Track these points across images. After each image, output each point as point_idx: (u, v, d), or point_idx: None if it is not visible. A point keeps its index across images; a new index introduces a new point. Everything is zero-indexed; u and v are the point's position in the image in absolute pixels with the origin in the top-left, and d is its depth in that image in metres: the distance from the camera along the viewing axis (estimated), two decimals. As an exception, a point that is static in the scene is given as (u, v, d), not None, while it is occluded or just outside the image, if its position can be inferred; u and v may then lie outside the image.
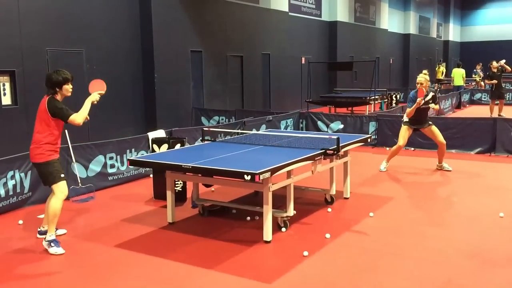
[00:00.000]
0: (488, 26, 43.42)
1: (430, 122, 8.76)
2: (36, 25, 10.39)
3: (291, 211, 5.72)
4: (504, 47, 38.24)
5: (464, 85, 22.06)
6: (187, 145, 7.34)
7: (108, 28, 12.06)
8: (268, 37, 18.19)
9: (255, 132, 8.74)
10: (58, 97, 5.23)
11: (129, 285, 4.44)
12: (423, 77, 8.49)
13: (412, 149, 10.76)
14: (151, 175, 7.55)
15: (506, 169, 9.03)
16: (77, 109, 5.29)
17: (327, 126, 12.22)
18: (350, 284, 4.39)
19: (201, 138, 7.36)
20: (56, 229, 5.34)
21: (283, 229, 5.73)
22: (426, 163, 9.35)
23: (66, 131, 6.71)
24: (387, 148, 10.54)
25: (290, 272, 4.61)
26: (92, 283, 4.46)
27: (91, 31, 11.61)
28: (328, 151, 5.97)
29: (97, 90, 5.48)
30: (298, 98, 19.50)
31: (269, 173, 4.92)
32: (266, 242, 5.35)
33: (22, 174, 6.71)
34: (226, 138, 7.82)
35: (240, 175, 4.87)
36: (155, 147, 7.19)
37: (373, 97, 16.30)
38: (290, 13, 19.81)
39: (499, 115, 15.05)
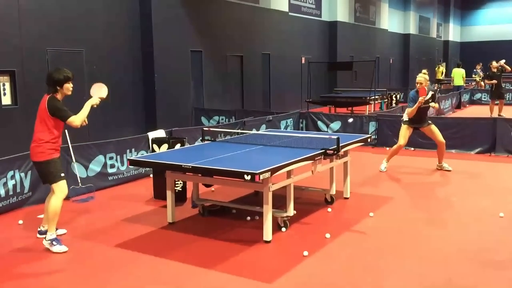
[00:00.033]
0: (488, 26, 43.41)
1: (430, 122, 8.76)
2: (36, 25, 10.40)
3: (291, 211, 5.72)
4: (504, 47, 38.21)
5: (464, 85, 22.06)
6: (187, 145, 7.34)
7: (108, 28, 12.06)
8: (268, 37, 18.19)
9: (255, 132, 8.74)
10: (59, 95, 5.23)
11: (129, 285, 4.44)
12: (422, 77, 8.50)
13: (412, 149, 10.76)
14: (151, 175, 7.55)
15: (506, 169, 9.03)
16: (75, 109, 5.29)
17: (327, 126, 12.23)
18: (350, 284, 4.39)
19: (201, 138, 7.36)
20: (56, 229, 5.33)
21: (283, 229, 5.73)
22: (426, 163, 9.35)
23: (66, 131, 6.71)
24: (387, 148, 10.54)
25: (290, 272, 4.61)
26: (92, 283, 4.46)
27: (91, 31, 11.61)
28: (328, 151, 5.97)
29: (98, 95, 5.49)
30: (298, 98, 19.50)
31: (269, 173, 4.92)
32: (266, 242, 5.35)
33: (22, 174, 6.71)
34: (226, 138, 7.83)
35: (240, 175, 4.87)
36: (155, 147, 7.19)
37: (373, 97, 16.31)
38: (290, 13, 19.81)
39: (499, 115, 15.05)
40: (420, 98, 8.27)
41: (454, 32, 43.73)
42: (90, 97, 5.47)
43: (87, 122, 5.36)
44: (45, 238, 5.25)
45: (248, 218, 6.17)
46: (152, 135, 7.93)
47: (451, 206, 6.73)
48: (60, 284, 4.47)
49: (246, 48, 17.01)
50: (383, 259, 4.90)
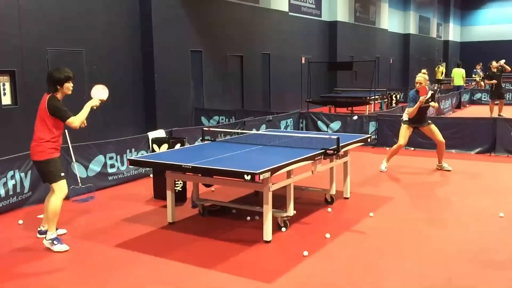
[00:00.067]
0: (488, 26, 43.41)
1: (430, 121, 8.77)
2: (36, 25, 10.40)
3: (291, 211, 5.72)
4: (504, 47, 38.21)
5: (464, 85, 22.07)
6: (187, 145, 7.34)
7: (108, 28, 12.06)
8: (268, 37, 18.19)
9: (255, 132, 8.75)
10: (59, 95, 5.23)
11: (129, 285, 4.44)
12: (422, 77, 8.51)
13: (412, 149, 10.76)
14: (151, 175, 7.55)
15: (506, 169, 9.03)
16: (74, 109, 5.29)
17: (327, 126, 12.23)
18: (350, 284, 4.39)
19: (201, 138, 7.36)
20: (56, 228, 5.34)
21: (283, 229, 5.73)
22: (426, 163, 9.35)
23: (66, 131, 6.71)
24: (387, 148, 10.54)
25: (290, 272, 4.61)
26: (92, 283, 4.46)
27: (91, 31, 11.61)
28: (328, 151, 5.97)
29: (99, 97, 5.49)
30: (298, 98, 19.50)
31: (269, 173, 4.92)
32: (266, 242, 5.35)
33: (22, 174, 6.71)
34: (226, 138, 7.83)
35: (240, 175, 4.87)
36: (155, 147, 7.19)
37: (373, 97, 16.31)
38: (290, 13, 19.81)
39: (499, 115, 15.05)
40: (421, 98, 8.27)
41: (454, 32, 43.73)
42: (90, 97, 5.47)
43: (86, 124, 5.36)
44: (45, 238, 5.25)
45: (248, 218, 6.17)
46: (152, 135, 7.93)
47: (451, 206, 6.73)
48: (60, 284, 4.47)
49: (246, 48, 17.01)
50: (383, 259, 4.90)
